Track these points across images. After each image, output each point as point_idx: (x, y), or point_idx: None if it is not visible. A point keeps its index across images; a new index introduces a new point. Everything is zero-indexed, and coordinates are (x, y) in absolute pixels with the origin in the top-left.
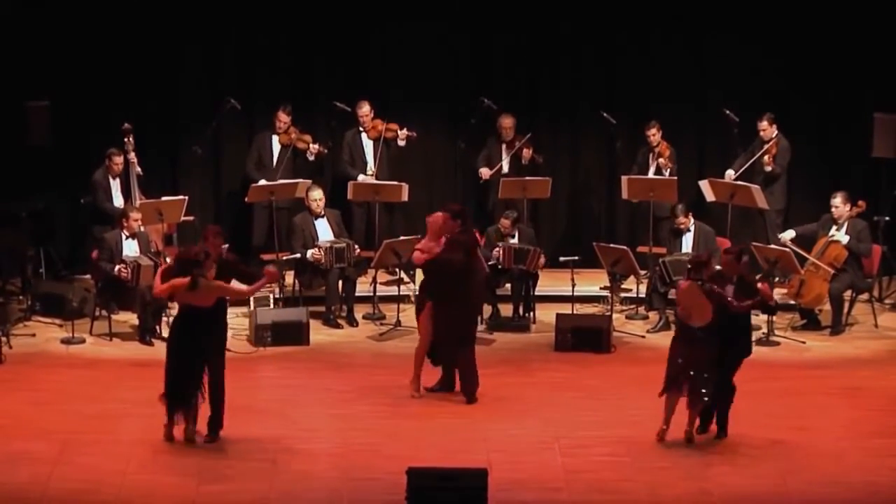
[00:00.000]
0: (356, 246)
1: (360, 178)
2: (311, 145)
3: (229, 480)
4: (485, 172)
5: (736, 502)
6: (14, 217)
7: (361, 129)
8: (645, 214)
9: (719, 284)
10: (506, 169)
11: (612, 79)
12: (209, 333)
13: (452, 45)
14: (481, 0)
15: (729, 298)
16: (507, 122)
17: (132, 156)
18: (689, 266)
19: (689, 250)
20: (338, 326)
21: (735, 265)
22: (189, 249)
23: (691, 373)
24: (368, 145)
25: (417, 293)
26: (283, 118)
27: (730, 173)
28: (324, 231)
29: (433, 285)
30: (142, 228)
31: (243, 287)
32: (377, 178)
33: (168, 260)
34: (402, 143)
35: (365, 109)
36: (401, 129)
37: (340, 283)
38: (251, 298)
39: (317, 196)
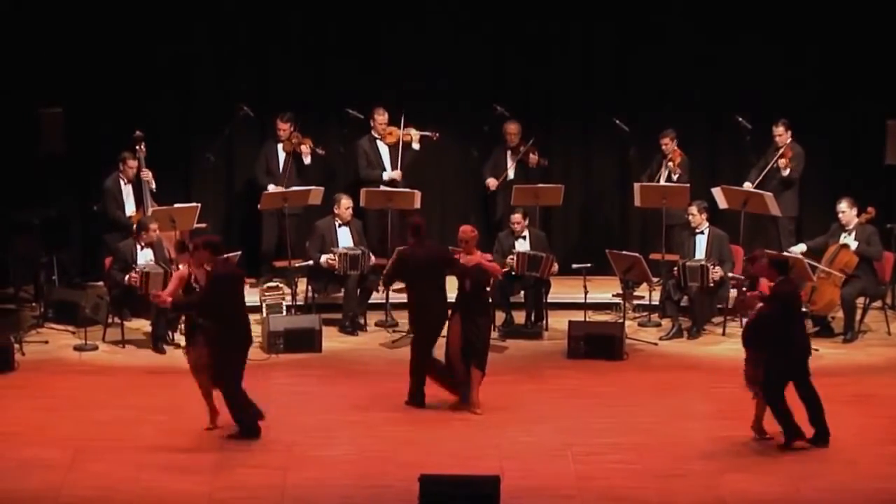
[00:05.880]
0: (371, 255)
1: (386, 175)
2: (302, 146)
3: (242, 487)
4: (492, 183)
5: None
6: (27, 224)
7: (377, 135)
8: (657, 221)
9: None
10: (511, 176)
11: (625, 86)
12: None
13: (465, 54)
14: (494, 8)
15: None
16: (512, 128)
17: (146, 172)
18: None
19: (702, 255)
20: (353, 333)
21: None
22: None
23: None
24: (385, 151)
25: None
26: (283, 126)
27: (747, 185)
28: (345, 239)
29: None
30: (157, 233)
31: None
32: (399, 185)
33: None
34: (416, 146)
35: (383, 117)
36: (415, 132)
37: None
38: (263, 305)
39: (348, 204)
